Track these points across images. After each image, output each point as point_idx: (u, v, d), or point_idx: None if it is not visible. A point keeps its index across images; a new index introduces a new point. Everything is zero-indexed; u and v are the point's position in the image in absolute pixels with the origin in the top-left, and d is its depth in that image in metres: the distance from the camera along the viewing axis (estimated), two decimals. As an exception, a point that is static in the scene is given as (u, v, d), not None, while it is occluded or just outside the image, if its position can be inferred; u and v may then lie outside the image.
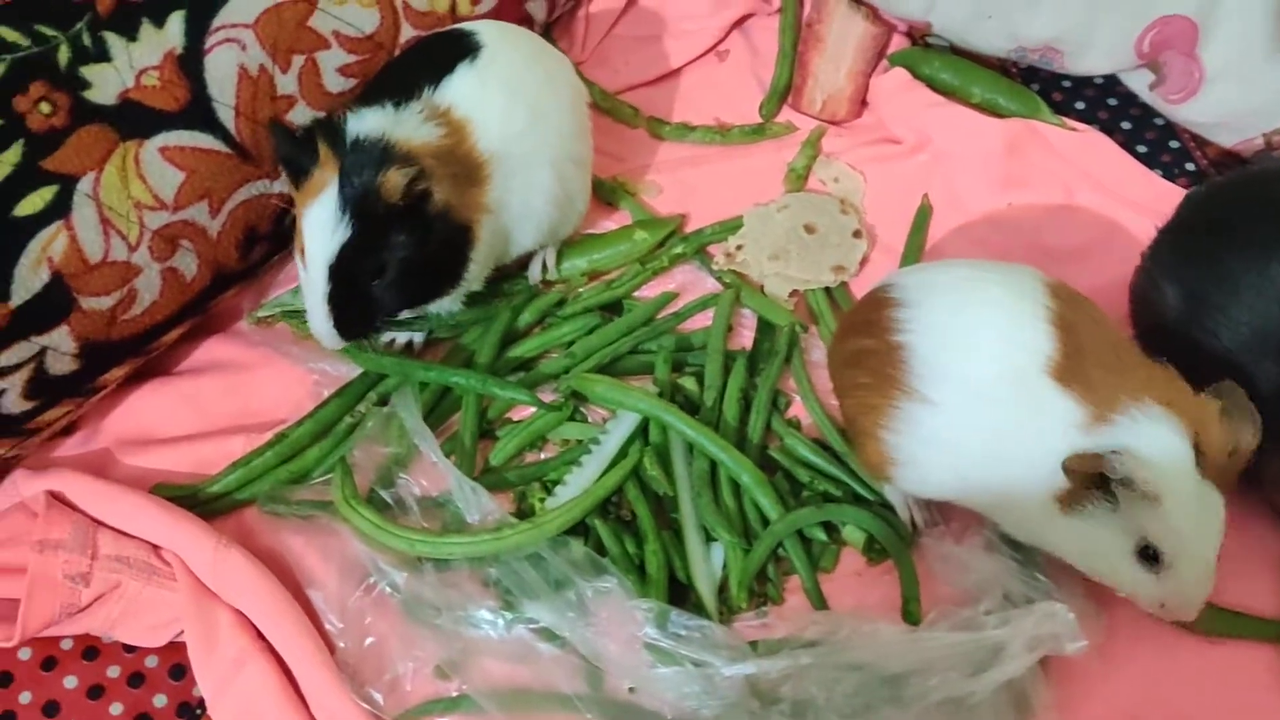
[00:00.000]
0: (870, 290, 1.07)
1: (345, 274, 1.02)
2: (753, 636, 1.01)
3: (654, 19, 1.49)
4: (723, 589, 1.06)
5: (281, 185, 1.18)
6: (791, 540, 1.08)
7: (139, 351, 1.16)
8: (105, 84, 1.06)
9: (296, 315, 1.24)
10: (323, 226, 1.01)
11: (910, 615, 1.04)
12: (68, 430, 1.19)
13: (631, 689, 0.98)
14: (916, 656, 0.92)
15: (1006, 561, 1.00)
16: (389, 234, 1.02)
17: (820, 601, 1.06)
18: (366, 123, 1.04)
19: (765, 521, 1.09)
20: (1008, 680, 0.91)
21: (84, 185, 1.06)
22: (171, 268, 1.14)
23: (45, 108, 1.04)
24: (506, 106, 1.11)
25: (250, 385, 1.21)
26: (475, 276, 1.15)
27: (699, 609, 1.03)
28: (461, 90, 1.09)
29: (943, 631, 0.94)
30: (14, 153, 1.02)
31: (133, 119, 1.07)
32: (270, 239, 1.22)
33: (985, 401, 0.92)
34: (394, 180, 0.99)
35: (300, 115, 1.17)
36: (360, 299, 1.05)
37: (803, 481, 1.12)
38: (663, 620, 0.98)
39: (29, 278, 1.04)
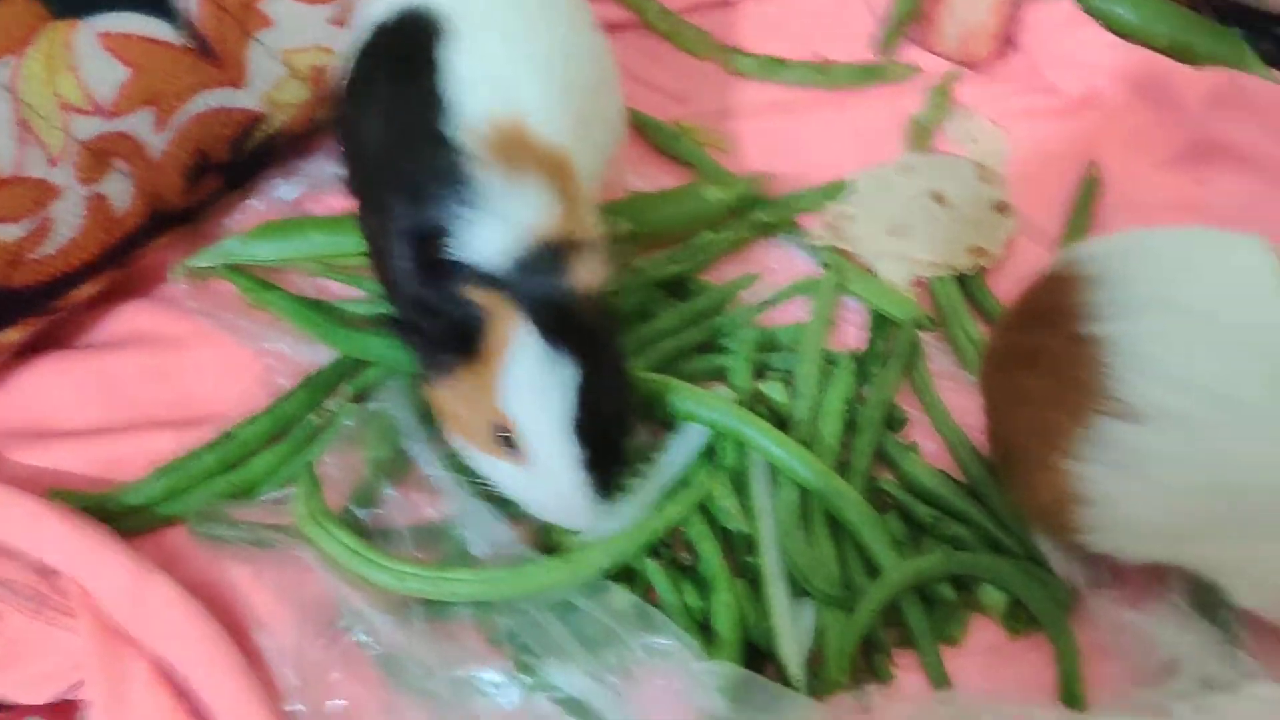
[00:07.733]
0: (1050, 267, 1.05)
1: (592, 419, 1.01)
2: (856, 720, 1.00)
3: (732, -77, 1.54)
4: (814, 659, 1.05)
5: (250, 100, 1.23)
6: (909, 600, 1.09)
7: (42, 308, 1.18)
8: (31, -60, 1.08)
9: (247, 274, 1.25)
10: (539, 384, 1.00)
11: (1072, 698, 1.04)
12: (-68, 414, 1.19)
13: (694, 778, 0.97)
14: (1089, 750, 0.93)
15: (1204, 634, 1.01)
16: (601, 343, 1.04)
17: (943, 680, 1.07)
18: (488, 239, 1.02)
19: (874, 572, 1.09)
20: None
21: (-1, 74, 1.08)
22: (99, 195, 1.16)
23: (-52, -36, 1.06)
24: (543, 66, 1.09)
25: (182, 367, 1.23)
26: None
27: (782, 683, 1.02)
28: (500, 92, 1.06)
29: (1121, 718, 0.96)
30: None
31: (68, -10, 1.10)
32: (223, 171, 1.25)
33: (1237, 415, 0.89)
34: (589, 273, 1.02)
35: (279, 8, 1.21)
36: (608, 437, 1.03)
37: (924, 523, 1.13)
38: (739, 690, 0.98)
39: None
